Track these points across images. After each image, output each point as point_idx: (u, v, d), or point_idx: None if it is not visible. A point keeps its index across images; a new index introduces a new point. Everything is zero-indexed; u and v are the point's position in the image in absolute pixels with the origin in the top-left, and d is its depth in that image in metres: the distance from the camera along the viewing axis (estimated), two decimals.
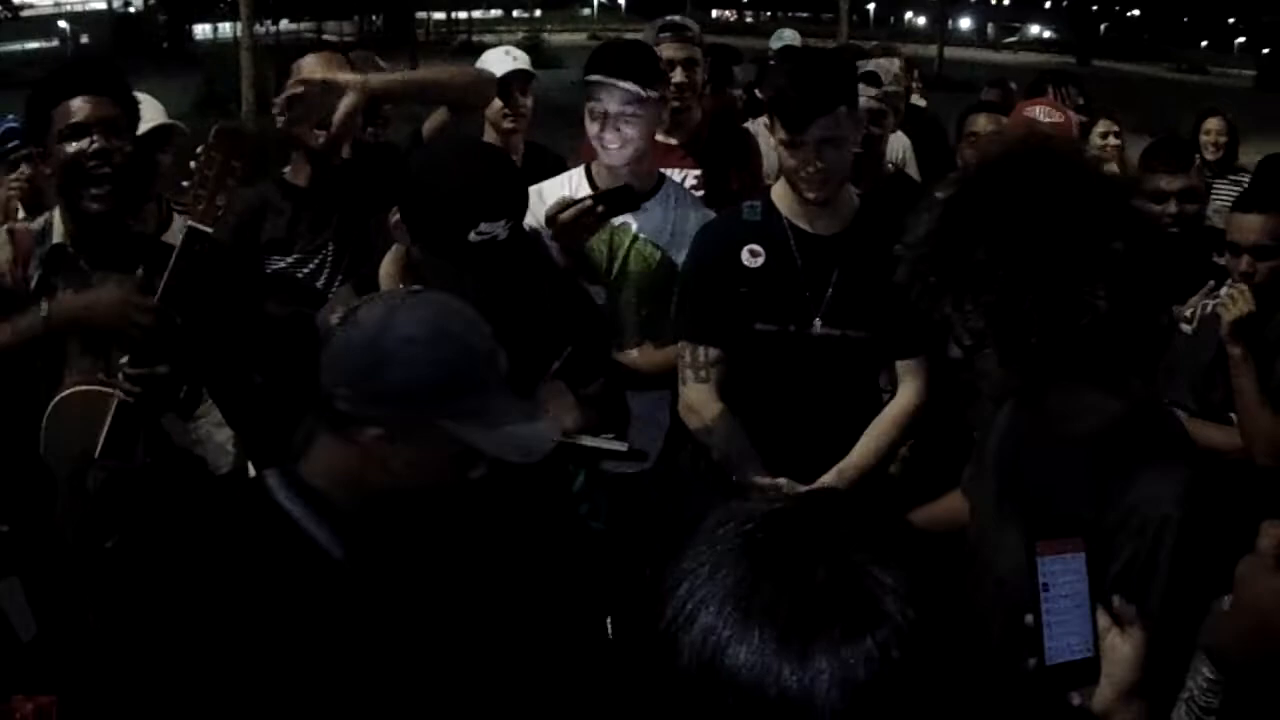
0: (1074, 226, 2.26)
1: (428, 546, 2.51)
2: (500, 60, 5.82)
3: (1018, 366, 2.44)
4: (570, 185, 4.18)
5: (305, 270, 4.04)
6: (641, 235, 4.19)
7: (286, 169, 4.19)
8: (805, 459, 3.75)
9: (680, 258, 4.14)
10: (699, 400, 3.85)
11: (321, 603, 2.16)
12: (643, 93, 4.03)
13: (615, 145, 4.09)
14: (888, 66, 5.07)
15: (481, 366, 2.31)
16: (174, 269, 3.41)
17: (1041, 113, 4.73)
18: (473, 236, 2.91)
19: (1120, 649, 1.86)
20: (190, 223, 3.44)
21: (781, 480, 3.70)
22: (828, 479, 3.73)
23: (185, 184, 3.47)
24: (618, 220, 4.10)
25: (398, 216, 3.07)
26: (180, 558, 2.25)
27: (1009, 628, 1.89)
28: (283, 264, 4.03)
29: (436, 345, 2.24)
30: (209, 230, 3.44)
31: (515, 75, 5.68)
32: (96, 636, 3.51)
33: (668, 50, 5.05)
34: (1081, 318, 2.24)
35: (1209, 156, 8.02)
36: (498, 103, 5.41)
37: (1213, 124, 8.38)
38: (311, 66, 4.03)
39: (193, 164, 3.47)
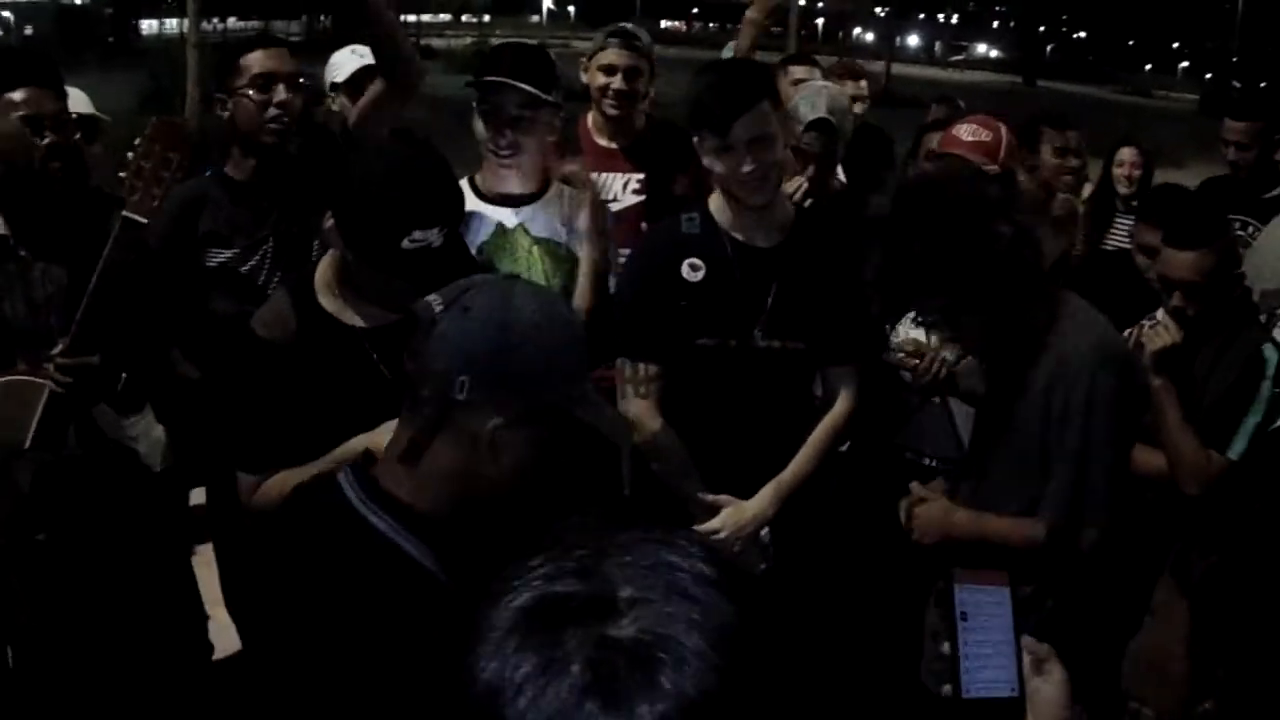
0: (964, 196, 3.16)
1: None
2: (346, 61, 5.85)
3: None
4: None
5: (247, 265, 4.02)
6: (538, 235, 4.14)
7: (227, 164, 4.17)
8: (745, 470, 3.79)
9: (580, 251, 4.13)
10: (639, 415, 3.82)
11: (427, 624, 1.96)
12: (538, 94, 3.95)
13: (508, 152, 4.02)
14: (840, 100, 5.09)
15: (585, 348, 2.28)
16: (108, 259, 3.37)
17: (966, 131, 4.72)
18: (406, 244, 2.86)
19: (1043, 690, 1.83)
20: (125, 213, 3.41)
21: (723, 497, 3.71)
22: (766, 492, 3.76)
23: (121, 175, 3.44)
24: (510, 224, 4.09)
25: (331, 221, 3.02)
26: (279, 587, 2.19)
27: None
28: (223, 257, 4.02)
29: (559, 329, 2.20)
30: (144, 220, 3.42)
31: (362, 73, 5.64)
32: (31, 635, 3.49)
33: (610, 56, 5.02)
34: (999, 243, 3.09)
35: (1122, 190, 7.41)
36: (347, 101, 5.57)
37: (1126, 154, 7.56)
38: (260, 61, 4.04)
39: (130, 155, 3.44)
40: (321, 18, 67.00)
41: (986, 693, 1.79)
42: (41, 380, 3.41)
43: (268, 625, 2.22)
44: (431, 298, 2.17)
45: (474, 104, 4.05)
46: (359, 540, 2.13)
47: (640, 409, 3.83)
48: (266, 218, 4.04)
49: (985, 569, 1.87)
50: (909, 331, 4.32)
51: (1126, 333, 4.31)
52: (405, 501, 2.17)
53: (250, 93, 4.01)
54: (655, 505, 3.82)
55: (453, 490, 2.18)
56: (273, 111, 4.01)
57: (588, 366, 2.31)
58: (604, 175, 4.99)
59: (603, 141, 5.06)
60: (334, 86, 5.89)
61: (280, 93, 4.02)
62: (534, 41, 6.10)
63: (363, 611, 2.04)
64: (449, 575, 2.13)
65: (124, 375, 3.65)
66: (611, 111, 5.00)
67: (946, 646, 1.82)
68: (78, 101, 4.83)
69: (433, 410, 2.16)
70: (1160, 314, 4.19)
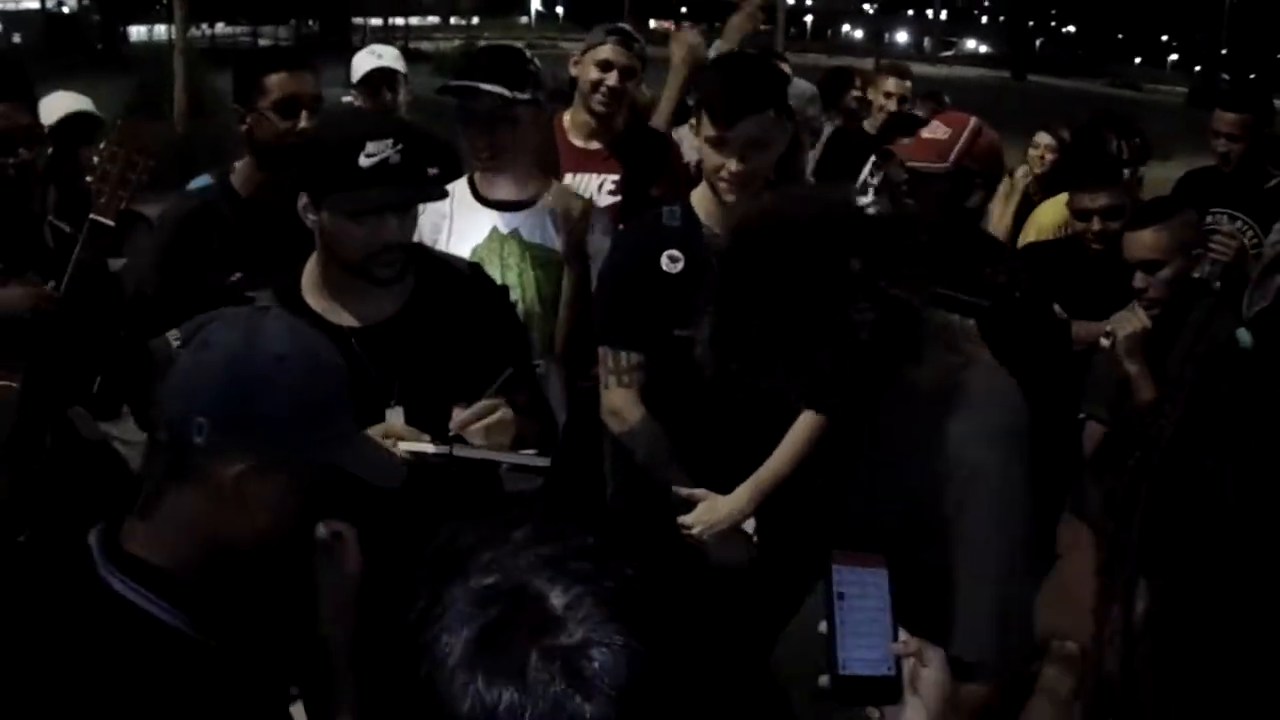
0: (813, 273, 2.45)
1: (279, 606, 2.22)
2: (363, 61, 5.98)
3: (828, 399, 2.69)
4: (453, 193, 4.06)
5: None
6: (530, 241, 4.17)
7: (233, 173, 4.13)
8: (727, 463, 3.76)
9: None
10: (622, 405, 3.84)
11: (178, 684, 1.90)
12: (509, 94, 3.97)
13: (486, 154, 4.07)
14: (802, 90, 5.08)
15: (345, 385, 2.11)
16: (77, 262, 3.41)
17: (927, 129, 4.65)
18: (363, 160, 2.93)
19: (925, 673, 1.83)
20: (92, 215, 3.45)
21: (699, 490, 3.71)
22: (743, 489, 3.74)
23: (88, 179, 3.48)
24: (505, 229, 4.11)
25: (305, 199, 3.07)
26: (12, 666, 1.89)
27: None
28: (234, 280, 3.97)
29: (308, 364, 2.03)
30: (111, 224, 3.45)
31: (376, 73, 5.86)
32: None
33: (607, 53, 5.01)
34: (859, 333, 2.42)
35: (1036, 171, 7.48)
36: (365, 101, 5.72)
37: (1042, 139, 7.61)
38: (283, 84, 3.98)
39: (95, 159, 3.48)
40: (310, 22, 67.03)
41: (863, 670, 1.80)
42: (13, 382, 3.43)
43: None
44: (171, 333, 2.02)
45: None
46: (98, 605, 1.92)
47: (622, 398, 3.84)
48: (273, 236, 3.97)
49: (863, 552, 1.87)
50: None
51: (1108, 326, 4.34)
52: (146, 558, 1.97)
53: (273, 116, 3.97)
54: (641, 497, 3.83)
55: (197, 543, 1.99)
56: (294, 139, 3.92)
57: (348, 404, 2.12)
58: (580, 176, 4.99)
59: (579, 142, 5.06)
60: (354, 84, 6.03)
61: (303, 119, 3.97)
62: (521, 43, 6.11)
63: (107, 679, 1.86)
64: (201, 631, 1.96)
65: (99, 378, 3.65)
66: (600, 108, 4.99)
67: (824, 626, 1.81)
68: (78, 102, 4.84)
69: (170, 456, 1.98)
70: (1134, 305, 4.24)
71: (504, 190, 4.13)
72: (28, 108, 3.68)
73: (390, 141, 2.96)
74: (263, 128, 3.99)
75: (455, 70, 4.20)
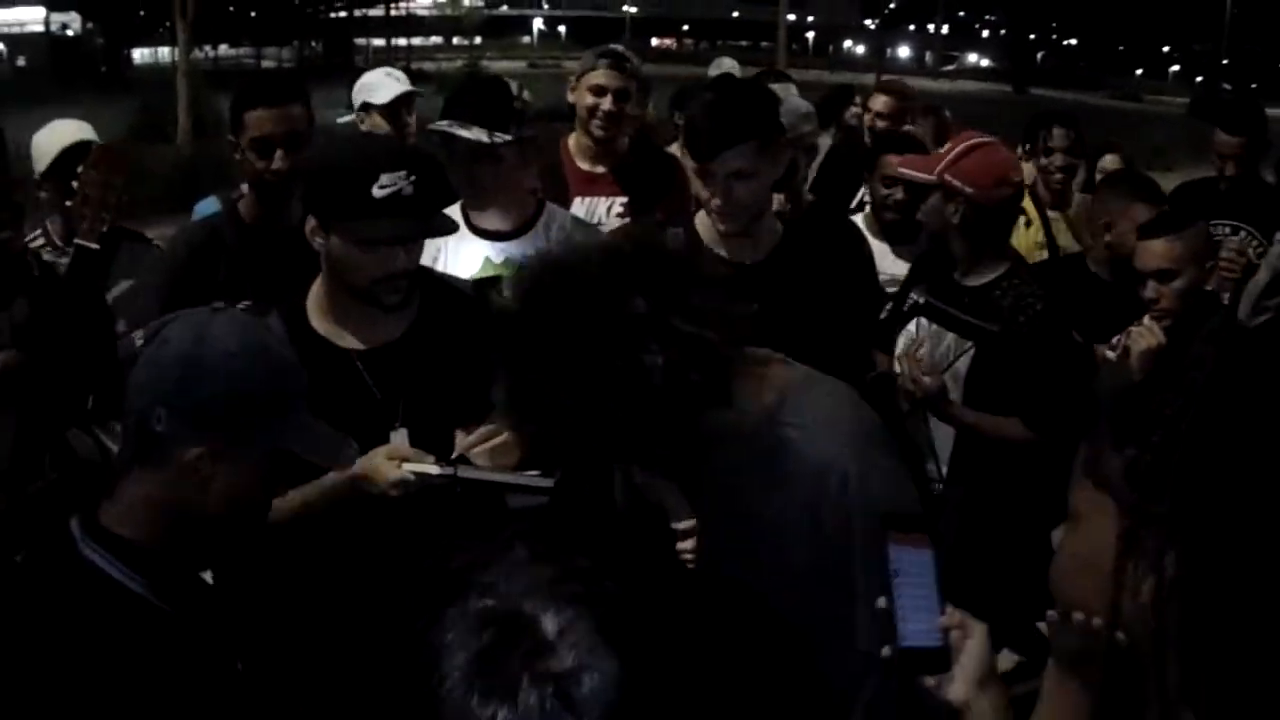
0: (590, 318, 2.21)
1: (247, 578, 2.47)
2: (384, 84, 5.92)
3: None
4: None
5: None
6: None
7: (241, 198, 4.11)
8: None
9: None
10: None
11: (148, 650, 2.08)
12: (488, 139, 3.88)
13: (469, 192, 4.02)
14: (796, 107, 5.05)
15: (296, 378, 2.33)
16: (65, 283, 3.45)
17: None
18: (377, 191, 2.93)
19: (968, 645, 1.94)
20: (77, 240, 3.50)
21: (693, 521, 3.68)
22: None
23: (68, 204, 3.52)
24: (498, 259, 4.08)
25: (313, 222, 3.06)
26: None
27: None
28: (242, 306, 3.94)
29: (256, 358, 2.24)
30: (95, 247, 3.52)
31: (405, 97, 5.86)
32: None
33: (600, 77, 5.00)
34: (652, 377, 2.19)
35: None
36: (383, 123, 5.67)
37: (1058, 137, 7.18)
38: (259, 123, 3.92)
39: (75, 184, 3.52)
40: (313, 44, 67.13)
41: (919, 642, 1.92)
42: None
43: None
44: (136, 334, 2.23)
45: None
46: (76, 576, 2.13)
47: None
48: (280, 262, 3.93)
49: (913, 533, 1.99)
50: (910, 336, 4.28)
51: (1115, 339, 4.33)
52: (119, 533, 2.16)
53: (250, 154, 3.92)
54: (647, 518, 3.81)
55: (161, 519, 2.19)
56: (269, 178, 3.90)
57: (299, 395, 2.33)
58: (588, 200, 4.98)
59: (585, 165, 5.06)
60: (365, 106, 5.91)
61: (277, 159, 3.89)
62: (524, 63, 6.09)
63: (79, 642, 2.02)
64: (163, 599, 2.15)
65: (92, 396, 3.66)
66: (599, 133, 4.99)
67: (883, 601, 1.92)
68: (80, 131, 4.84)
69: (136, 442, 2.20)
70: (1149, 319, 4.22)
71: (493, 221, 4.08)
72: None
73: (404, 173, 2.96)
74: (244, 163, 3.98)
75: (444, 103, 4.12)
